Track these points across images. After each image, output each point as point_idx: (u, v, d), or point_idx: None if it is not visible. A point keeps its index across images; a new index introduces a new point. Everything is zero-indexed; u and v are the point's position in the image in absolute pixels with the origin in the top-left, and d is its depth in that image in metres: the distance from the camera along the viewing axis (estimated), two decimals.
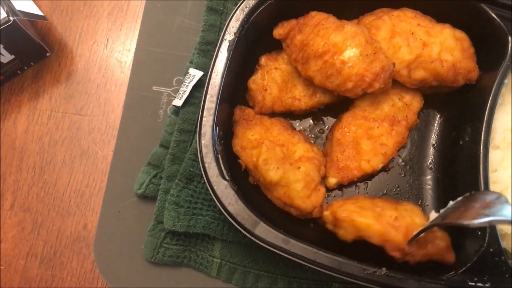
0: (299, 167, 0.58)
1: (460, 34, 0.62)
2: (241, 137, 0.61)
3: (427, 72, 0.61)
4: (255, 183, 0.62)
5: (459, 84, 0.62)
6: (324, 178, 0.62)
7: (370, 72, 0.58)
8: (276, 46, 0.66)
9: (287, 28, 0.63)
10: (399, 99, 0.63)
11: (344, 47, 0.59)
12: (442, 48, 0.61)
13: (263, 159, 0.59)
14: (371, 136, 0.62)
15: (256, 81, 0.65)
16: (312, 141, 0.66)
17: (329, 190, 0.64)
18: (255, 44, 0.65)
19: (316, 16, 0.61)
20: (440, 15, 0.63)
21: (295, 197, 0.58)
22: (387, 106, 0.63)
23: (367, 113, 0.63)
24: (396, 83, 0.62)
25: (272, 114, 0.66)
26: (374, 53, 0.58)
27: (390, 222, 0.55)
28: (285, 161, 0.59)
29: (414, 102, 0.64)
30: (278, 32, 0.64)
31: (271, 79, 0.65)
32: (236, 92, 0.65)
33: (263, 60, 0.66)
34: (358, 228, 0.55)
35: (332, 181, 0.61)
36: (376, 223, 0.55)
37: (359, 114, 0.63)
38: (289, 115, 0.67)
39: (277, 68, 0.65)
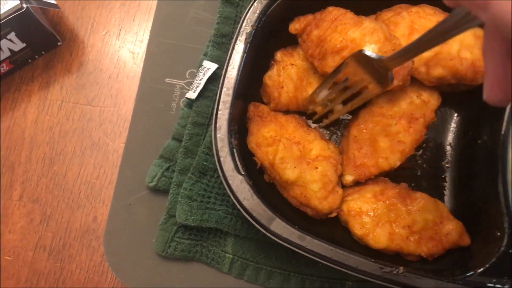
0: (317, 167, 0.57)
1: (480, 32, 0.61)
2: (256, 134, 0.60)
3: (445, 69, 0.60)
4: (270, 181, 0.61)
5: (478, 83, 0.61)
6: (340, 176, 0.61)
7: None
8: (290, 42, 0.65)
9: (303, 23, 0.62)
10: (416, 96, 0.62)
11: (362, 43, 0.58)
12: (461, 45, 0.60)
13: (279, 157, 0.58)
14: (389, 134, 0.61)
15: (272, 77, 0.64)
16: (327, 138, 0.65)
17: (344, 186, 0.63)
18: (270, 39, 0.64)
19: (334, 11, 0.60)
20: None
21: (312, 198, 0.57)
22: (405, 103, 0.62)
23: (384, 110, 0.62)
24: (413, 80, 0.62)
25: (286, 111, 0.65)
26: (393, 50, 0.57)
27: (404, 236, 0.57)
28: (302, 160, 0.58)
29: (432, 100, 0.63)
30: (294, 27, 0.63)
31: (286, 75, 0.63)
32: (251, 86, 0.64)
33: (278, 55, 0.65)
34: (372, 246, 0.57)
35: (349, 178, 0.60)
36: (390, 242, 0.56)
37: (376, 111, 0.62)
38: (303, 113, 0.66)
39: (292, 64, 0.64)
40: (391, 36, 0.59)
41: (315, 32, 0.61)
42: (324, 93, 0.62)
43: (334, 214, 0.59)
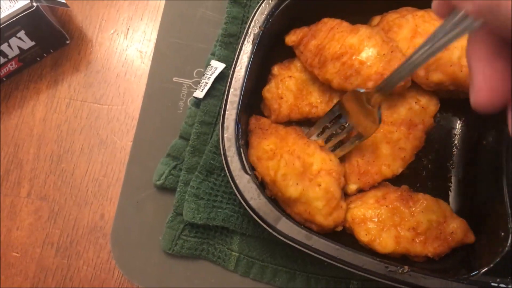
0: (319, 184, 0.56)
1: None
2: (256, 147, 0.60)
3: (445, 75, 0.60)
4: (272, 197, 0.60)
5: None
6: (343, 188, 0.61)
7: (389, 70, 0.57)
8: (288, 55, 0.66)
9: (299, 35, 0.63)
10: (415, 102, 0.62)
11: (361, 47, 0.59)
12: (462, 52, 0.60)
13: (281, 174, 0.57)
14: (390, 141, 0.61)
15: (270, 90, 0.64)
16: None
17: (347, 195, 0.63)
18: (277, 41, 0.65)
19: (329, 22, 0.62)
20: None
21: (316, 214, 0.57)
22: (404, 110, 0.62)
23: (384, 117, 0.61)
24: (412, 86, 0.62)
25: (288, 123, 0.65)
26: (391, 52, 0.58)
27: (409, 238, 0.57)
28: (304, 176, 0.57)
29: (431, 106, 0.63)
30: (291, 39, 0.64)
31: (285, 87, 0.64)
32: (258, 87, 0.64)
33: (275, 69, 0.65)
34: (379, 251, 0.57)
35: (353, 187, 0.61)
36: (397, 246, 0.57)
37: None
38: (306, 122, 0.66)
39: (290, 76, 0.64)
40: (388, 39, 0.60)
41: (313, 42, 0.62)
42: (314, 138, 0.62)
43: (340, 228, 0.59)
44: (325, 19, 0.62)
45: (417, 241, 0.57)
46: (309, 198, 0.56)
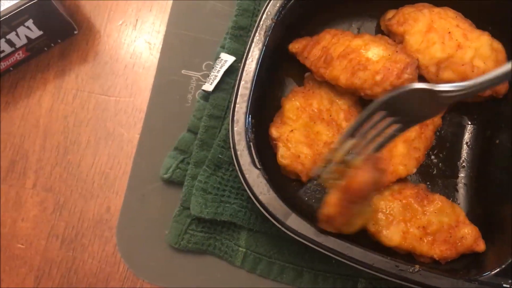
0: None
1: (498, 45, 0.61)
2: None
3: (455, 74, 0.59)
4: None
5: (485, 95, 0.61)
6: None
7: (396, 67, 0.57)
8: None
9: (303, 43, 0.63)
10: None
11: (367, 47, 0.59)
12: (476, 54, 0.59)
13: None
14: (407, 139, 0.60)
15: (285, 156, 0.61)
16: None
17: None
18: (288, 33, 0.64)
19: (332, 31, 0.63)
20: (480, 22, 0.62)
21: None
22: None
23: None
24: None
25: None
26: (397, 51, 0.58)
27: (417, 236, 0.56)
28: None
29: None
30: (294, 46, 0.64)
31: (295, 144, 0.61)
32: (268, 80, 0.63)
33: (273, 132, 0.62)
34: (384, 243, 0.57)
35: None
36: (403, 241, 0.56)
37: None
38: None
39: (291, 130, 0.61)
40: (392, 42, 0.61)
41: (317, 46, 0.62)
42: (348, 144, 0.54)
43: None
44: (327, 29, 0.63)
45: (425, 240, 0.56)
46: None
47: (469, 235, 0.57)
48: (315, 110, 0.62)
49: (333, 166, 0.53)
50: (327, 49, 0.60)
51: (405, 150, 0.60)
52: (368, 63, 0.58)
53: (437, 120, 0.62)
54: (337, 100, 0.63)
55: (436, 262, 0.57)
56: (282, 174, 0.62)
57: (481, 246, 0.57)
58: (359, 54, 0.59)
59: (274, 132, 0.62)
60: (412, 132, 0.60)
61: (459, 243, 0.56)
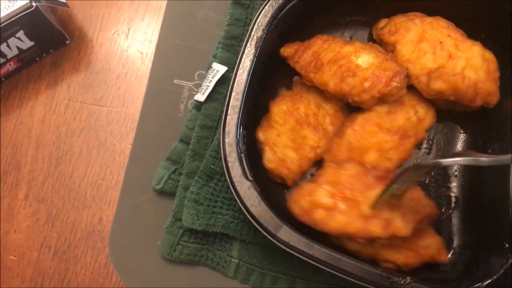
0: None
1: (489, 55, 0.61)
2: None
3: (446, 84, 0.59)
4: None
5: (476, 105, 0.60)
6: None
7: (385, 75, 0.57)
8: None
9: (293, 48, 0.63)
10: (414, 113, 0.61)
11: (357, 54, 0.59)
12: (467, 64, 0.59)
13: None
14: (381, 149, 0.60)
15: (271, 160, 0.61)
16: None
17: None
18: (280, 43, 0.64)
19: (323, 37, 0.63)
20: (473, 31, 0.62)
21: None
22: (402, 119, 0.60)
23: (382, 121, 0.60)
24: (412, 93, 0.61)
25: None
26: (386, 59, 0.59)
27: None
28: None
29: (427, 118, 0.62)
30: (286, 50, 0.64)
31: (281, 148, 0.61)
32: (260, 89, 0.63)
33: (260, 136, 0.62)
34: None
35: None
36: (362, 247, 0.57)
37: (374, 120, 0.60)
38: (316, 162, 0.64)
39: (278, 134, 0.62)
40: (383, 50, 0.61)
41: (308, 51, 0.62)
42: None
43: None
44: (318, 35, 0.63)
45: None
46: None
47: (433, 245, 0.57)
48: (302, 115, 0.62)
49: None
50: (317, 54, 0.60)
51: (375, 158, 0.59)
52: (358, 70, 0.58)
53: (421, 133, 0.62)
54: (324, 105, 0.63)
55: (429, 268, 0.57)
56: (272, 188, 0.62)
57: (444, 257, 0.57)
58: (349, 61, 0.59)
59: (261, 135, 0.62)
60: (389, 143, 0.59)
61: (423, 251, 0.56)
